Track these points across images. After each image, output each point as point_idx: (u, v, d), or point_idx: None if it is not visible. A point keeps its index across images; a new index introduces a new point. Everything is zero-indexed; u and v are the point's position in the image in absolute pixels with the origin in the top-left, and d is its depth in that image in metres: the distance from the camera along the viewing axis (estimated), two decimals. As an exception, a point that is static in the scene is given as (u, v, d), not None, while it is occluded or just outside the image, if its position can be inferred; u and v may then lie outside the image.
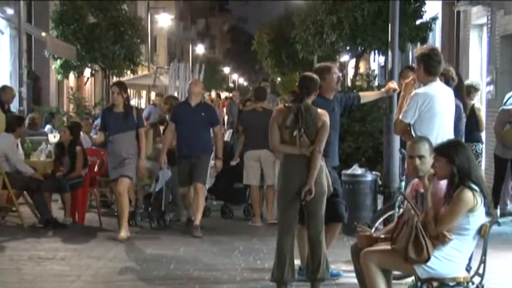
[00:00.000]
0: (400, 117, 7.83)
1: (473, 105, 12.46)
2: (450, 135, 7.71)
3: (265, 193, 12.80)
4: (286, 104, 8.13)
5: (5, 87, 15.78)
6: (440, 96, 7.75)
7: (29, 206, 12.25)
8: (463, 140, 8.49)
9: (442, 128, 7.69)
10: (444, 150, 6.36)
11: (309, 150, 7.73)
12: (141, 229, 11.94)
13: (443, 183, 6.36)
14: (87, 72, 31.48)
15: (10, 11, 23.78)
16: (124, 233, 10.97)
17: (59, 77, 28.23)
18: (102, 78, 34.37)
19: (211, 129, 11.81)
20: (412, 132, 7.71)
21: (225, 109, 32.76)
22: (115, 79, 34.27)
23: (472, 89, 12.58)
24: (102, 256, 9.92)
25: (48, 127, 17.35)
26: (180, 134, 11.60)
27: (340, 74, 8.86)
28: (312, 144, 7.75)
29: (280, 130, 7.86)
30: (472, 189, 6.15)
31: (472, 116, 12.18)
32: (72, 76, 29.43)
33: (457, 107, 8.32)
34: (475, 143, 12.15)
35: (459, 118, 8.55)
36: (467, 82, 12.82)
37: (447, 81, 8.50)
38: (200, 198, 11.45)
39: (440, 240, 6.19)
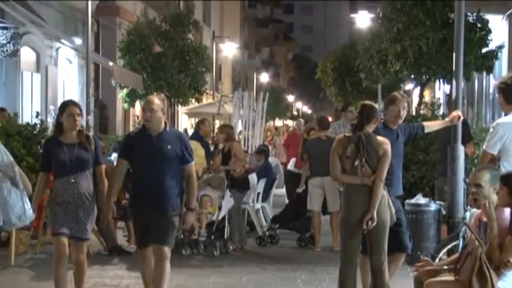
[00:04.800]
0: (484, 147, 7.83)
1: None
2: None
3: (331, 220, 12.92)
4: (346, 134, 8.11)
5: (204, 120, 15.54)
6: None
7: (95, 234, 12.41)
8: None
9: None
10: (506, 180, 6.29)
11: (370, 180, 7.71)
12: (203, 257, 12.00)
13: (509, 213, 6.28)
14: (152, 100, 31.88)
15: (78, 41, 24.32)
16: None
17: (125, 105, 28.64)
18: (167, 106, 34.74)
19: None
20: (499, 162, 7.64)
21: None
22: (180, 108, 34.70)
23: None
24: (165, 283, 9.98)
25: (114, 155, 17.55)
26: (134, 178, 8.18)
27: (407, 108, 8.73)
28: (374, 173, 7.73)
29: (341, 160, 7.85)
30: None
31: None
32: (138, 104, 29.84)
33: None
34: None
35: None
36: None
37: None
38: (164, 267, 7.90)
39: (502, 267, 6.09)
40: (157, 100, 8.07)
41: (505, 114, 7.87)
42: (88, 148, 8.12)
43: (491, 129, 7.82)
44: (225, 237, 12.36)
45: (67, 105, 8.30)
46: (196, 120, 36.11)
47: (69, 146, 8.10)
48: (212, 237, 12.31)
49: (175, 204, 7.98)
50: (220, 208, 12.24)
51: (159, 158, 7.91)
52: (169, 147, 7.93)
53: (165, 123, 8.02)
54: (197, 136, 14.46)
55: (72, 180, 8.03)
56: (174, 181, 7.96)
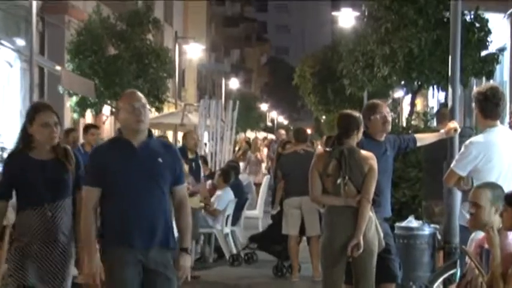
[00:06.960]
0: (452, 166, 7.81)
1: None
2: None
3: (309, 246, 12.90)
4: (327, 148, 8.06)
5: (186, 134, 15.32)
6: (500, 145, 7.70)
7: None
8: None
9: (501, 178, 7.59)
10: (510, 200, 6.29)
11: (355, 201, 7.70)
12: None
13: (512, 237, 6.29)
14: (106, 109, 31.77)
15: (21, 42, 24.18)
16: None
17: (75, 115, 28.53)
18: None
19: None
20: (464, 182, 7.65)
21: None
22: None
23: None
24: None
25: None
26: (111, 209, 6.41)
27: (391, 114, 8.80)
28: (359, 193, 7.72)
29: (322, 178, 7.83)
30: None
31: None
32: (89, 114, 29.69)
33: None
34: None
35: None
36: None
37: None
38: None
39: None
40: (134, 94, 6.54)
41: (482, 130, 7.89)
42: (67, 167, 6.71)
43: (463, 148, 7.84)
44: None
45: (39, 110, 6.77)
46: (157, 132, 36.17)
47: (43, 163, 6.68)
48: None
49: (174, 242, 6.53)
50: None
51: (148, 177, 6.36)
52: (160, 160, 6.42)
53: (149, 130, 6.57)
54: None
55: (49, 213, 6.63)
56: (167, 209, 6.48)
